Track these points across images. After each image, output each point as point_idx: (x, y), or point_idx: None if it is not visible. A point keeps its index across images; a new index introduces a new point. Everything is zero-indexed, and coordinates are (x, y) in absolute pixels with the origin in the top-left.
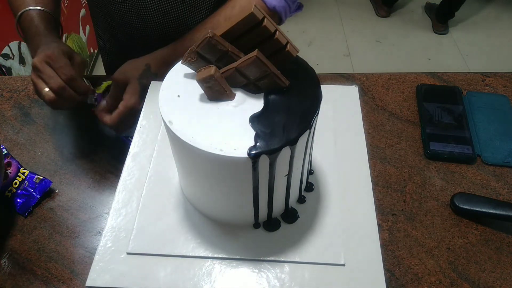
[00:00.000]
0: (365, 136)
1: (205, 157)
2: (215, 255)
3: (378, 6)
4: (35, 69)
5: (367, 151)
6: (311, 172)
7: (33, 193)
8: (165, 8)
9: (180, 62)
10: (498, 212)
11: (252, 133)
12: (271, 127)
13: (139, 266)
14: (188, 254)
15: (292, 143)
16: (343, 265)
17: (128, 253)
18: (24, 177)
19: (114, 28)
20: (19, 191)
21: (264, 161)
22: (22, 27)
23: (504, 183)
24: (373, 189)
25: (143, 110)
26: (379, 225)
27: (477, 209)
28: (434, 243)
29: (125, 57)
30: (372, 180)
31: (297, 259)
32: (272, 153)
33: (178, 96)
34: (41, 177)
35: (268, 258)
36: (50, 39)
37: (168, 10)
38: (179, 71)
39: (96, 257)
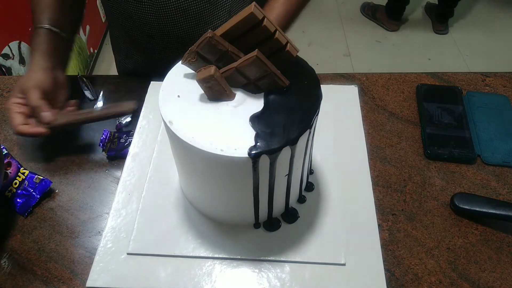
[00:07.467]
0: (365, 136)
1: (206, 157)
2: (216, 255)
3: (386, 23)
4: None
5: (367, 151)
6: (311, 172)
7: (33, 193)
8: (184, 5)
9: (180, 62)
10: (498, 212)
11: (252, 133)
12: (271, 127)
13: (139, 266)
14: (188, 254)
15: (293, 142)
16: (344, 264)
17: (128, 254)
18: (24, 177)
19: (132, 29)
20: (19, 191)
21: (264, 161)
22: (31, 42)
23: (504, 183)
24: (373, 189)
25: (142, 110)
26: (379, 225)
27: (477, 209)
28: (434, 243)
29: (143, 57)
30: (372, 180)
31: (298, 259)
32: (273, 153)
33: (178, 96)
34: (41, 177)
35: (269, 258)
36: (40, 66)
37: (187, 7)
38: (179, 71)
39: (97, 257)
